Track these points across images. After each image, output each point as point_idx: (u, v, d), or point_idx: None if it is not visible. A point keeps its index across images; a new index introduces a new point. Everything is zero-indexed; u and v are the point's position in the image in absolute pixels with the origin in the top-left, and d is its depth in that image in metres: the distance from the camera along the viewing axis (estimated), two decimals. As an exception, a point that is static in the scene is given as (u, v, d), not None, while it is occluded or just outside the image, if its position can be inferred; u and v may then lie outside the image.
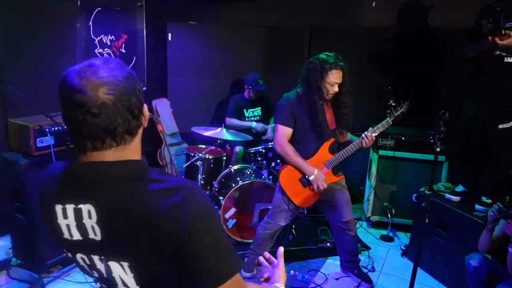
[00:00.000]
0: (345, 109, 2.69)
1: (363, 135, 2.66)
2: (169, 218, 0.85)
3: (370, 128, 2.68)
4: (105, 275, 0.96)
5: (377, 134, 2.67)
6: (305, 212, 4.01)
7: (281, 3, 5.12)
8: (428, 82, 4.30)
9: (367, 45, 4.56)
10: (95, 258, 0.95)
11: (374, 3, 4.61)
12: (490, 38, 2.56)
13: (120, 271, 0.92)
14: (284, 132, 2.66)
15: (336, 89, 2.59)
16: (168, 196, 0.87)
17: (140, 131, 0.97)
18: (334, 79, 2.55)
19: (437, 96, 4.28)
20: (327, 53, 2.61)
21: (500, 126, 2.72)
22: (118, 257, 0.91)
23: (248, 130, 4.04)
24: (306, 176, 2.68)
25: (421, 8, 4.33)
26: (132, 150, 0.95)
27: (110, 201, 0.89)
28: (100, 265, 0.95)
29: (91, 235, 0.92)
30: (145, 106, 0.97)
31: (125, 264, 0.91)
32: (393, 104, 2.67)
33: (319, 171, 2.66)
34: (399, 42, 4.41)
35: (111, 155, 0.91)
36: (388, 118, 2.69)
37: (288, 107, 2.66)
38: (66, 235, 0.95)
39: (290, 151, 2.65)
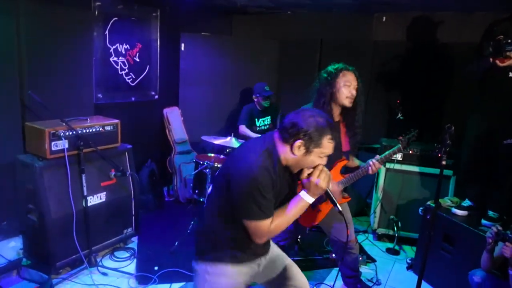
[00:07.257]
0: (357, 129, 2.63)
1: (370, 162, 2.62)
2: None
3: (377, 156, 2.64)
4: None
5: (385, 161, 2.65)
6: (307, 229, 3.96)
7: (293, 17, 5.22)
8: (437, 96, 4.32)
9: (376, 59, 4.62)
10: None
11: (384, 18, 4.68)
12: (491, 59, 2.65)
13: None
14: None
15: (353, 91, 2.48)
16: None
17: (289, 151, 1.71)
18: (346, 81, 2.47)
19: (446, 111, 4.30)
20: (334, 63, 2.57)
21: (505, 142, 2.73)
22: None
23: None
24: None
25: (431, 23, 4.38)
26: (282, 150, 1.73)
27: None
28: None
29: None
30: (297, 143, 1.67)
31: None
32: (408, 133, 2.64)
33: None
34: (409, 56, 4.45)
35: None
36: (399, 145, 2.62)
37: None
38: None
39: None
